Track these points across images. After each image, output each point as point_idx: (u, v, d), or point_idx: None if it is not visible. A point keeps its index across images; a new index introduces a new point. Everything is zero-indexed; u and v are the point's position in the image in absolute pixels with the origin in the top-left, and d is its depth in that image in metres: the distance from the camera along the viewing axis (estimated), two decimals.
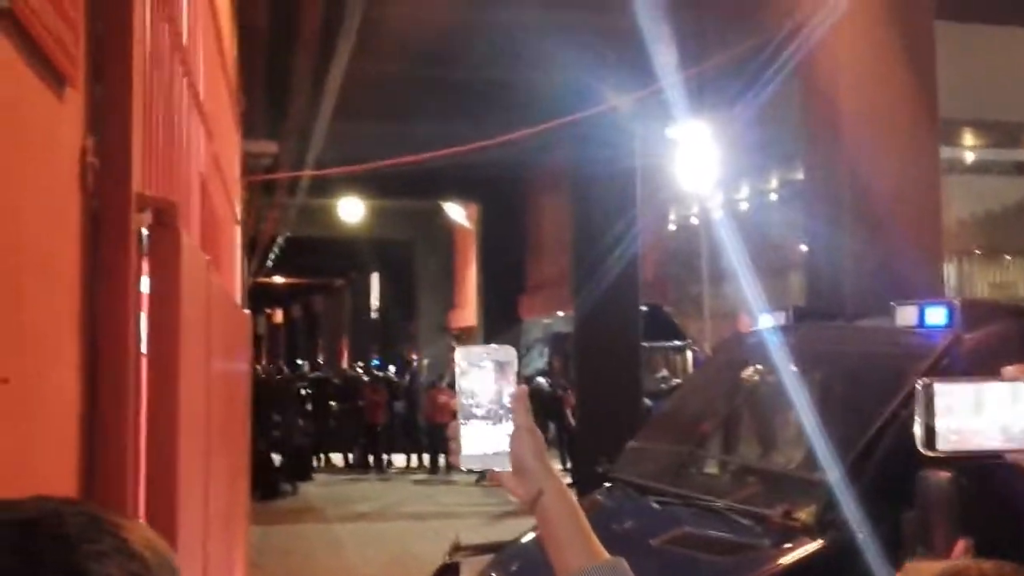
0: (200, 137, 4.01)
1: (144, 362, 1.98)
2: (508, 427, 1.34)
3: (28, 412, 1.54)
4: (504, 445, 1.34)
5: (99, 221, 1.88)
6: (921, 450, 1.24)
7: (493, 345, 1.36)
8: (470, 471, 1.45)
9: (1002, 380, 1.41)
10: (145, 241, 2.00)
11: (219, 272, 4.23)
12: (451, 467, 18.01)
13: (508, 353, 1.35)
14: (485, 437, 1.34)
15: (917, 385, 1.37)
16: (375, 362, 27.75)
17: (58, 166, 1.75)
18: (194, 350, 2.34)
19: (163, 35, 2.73)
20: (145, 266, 2.01)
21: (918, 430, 1.38)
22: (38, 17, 1.48)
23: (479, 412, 1.34)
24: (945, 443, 1.38)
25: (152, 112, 2.38)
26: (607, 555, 1.36)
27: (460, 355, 1.35)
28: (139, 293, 1.95)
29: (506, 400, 1.34)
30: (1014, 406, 1.39)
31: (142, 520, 1.91)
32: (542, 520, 1.37)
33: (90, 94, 1.92)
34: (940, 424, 1.38)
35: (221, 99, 5.87)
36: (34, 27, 1.47)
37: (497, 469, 1.35)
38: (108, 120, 1.95)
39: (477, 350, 1.35)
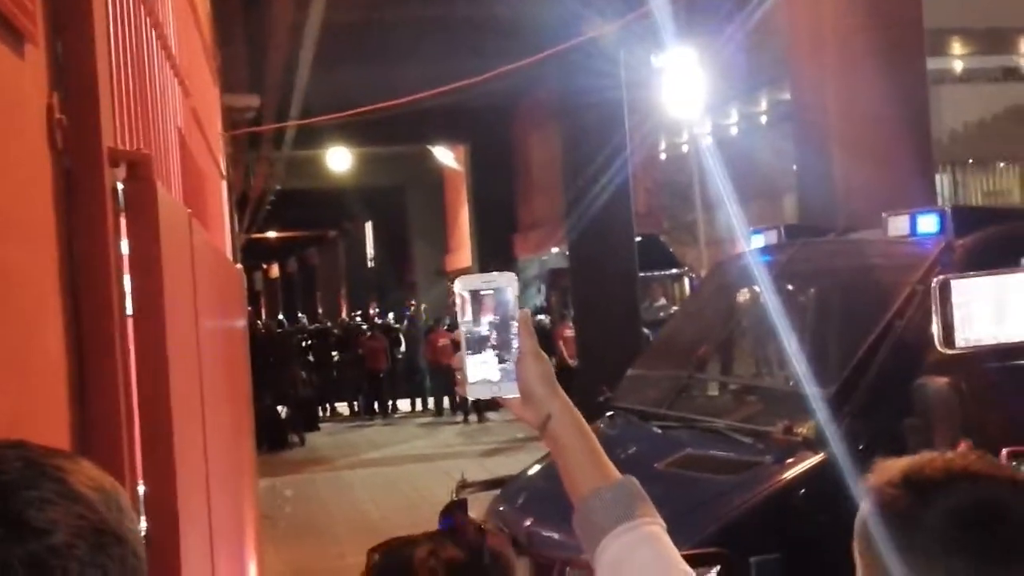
0: (175, 91, 3.96)
1: (130, 322, 1.96)
2: (513, 353, 1.31)
3: (15, 379, 1.53)
4: (510, 372, 1.31)
5: (72, 178, 1.85)
6: (940, 348, 1.22)
7: (493, 272, 1.32)
8: (475, 402, 1.42)
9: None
10: (121, 196, 1.97)
11: (206, 228, 4.20)
12: (461, 402, 17.88)
13: (508, 279, 1.31)
14: (490, 365, 1.31)
15: (933, 282, 1.34)
16: (377, 310, 27.81)
17: (25, 126, 1.72)
18: (181, 305, 2.32)
19: None
20: (124, 224, 1.98)
21: (935, 328, 1.36)
22: None
23: (483, 341, 1.31)
24: (964, 339, 1.36)
25: (120, 66, 2.34)
26: (619, 475, 1.35)
27: (460, 284, 1.31)
28: (119, 249, 1.92)
29: (509, 326, 1.31)
30: None
31: (139, 480, 1.90)
32: (552, 444, 1.36)
33: (52, 50, 1.88)
34: (959, 321, 1.36)
35: (195, 53, 5.78)
36: None
37: (505, 396, 1.32)
38: (73, 75, 1.91)
39: (476, 278, 1.32)
